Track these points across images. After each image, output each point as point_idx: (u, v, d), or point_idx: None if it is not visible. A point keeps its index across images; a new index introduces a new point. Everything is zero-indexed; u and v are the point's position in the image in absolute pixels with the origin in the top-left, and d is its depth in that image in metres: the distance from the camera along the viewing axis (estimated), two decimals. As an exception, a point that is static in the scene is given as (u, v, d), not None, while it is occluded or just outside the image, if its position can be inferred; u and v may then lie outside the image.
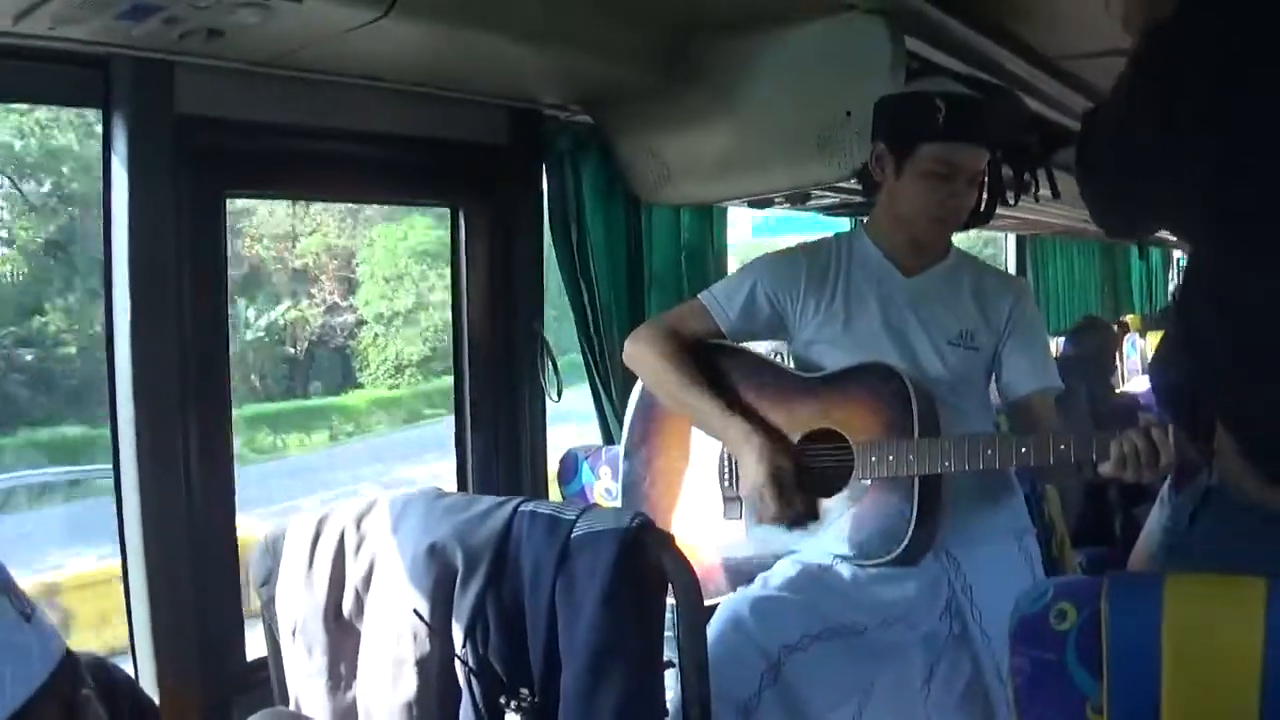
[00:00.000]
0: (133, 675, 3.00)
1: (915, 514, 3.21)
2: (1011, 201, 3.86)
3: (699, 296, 3.63)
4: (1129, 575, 2.17)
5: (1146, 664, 2.03)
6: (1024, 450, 3.13)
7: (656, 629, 2.46)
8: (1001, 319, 3.47)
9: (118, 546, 3.15)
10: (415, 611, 2.56)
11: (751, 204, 5.02)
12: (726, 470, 3.52)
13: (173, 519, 3.14)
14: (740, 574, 3.40)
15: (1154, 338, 9.99)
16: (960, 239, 3.76)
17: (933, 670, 3.30)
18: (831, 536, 3.33)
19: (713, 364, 3.52)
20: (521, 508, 2.57)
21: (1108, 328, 8.53)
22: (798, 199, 4.92)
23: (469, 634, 2.52)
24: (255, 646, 3.23)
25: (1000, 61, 4.32)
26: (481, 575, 2.52)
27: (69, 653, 1.29)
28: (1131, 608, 2.06)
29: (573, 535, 2.44)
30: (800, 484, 3.34)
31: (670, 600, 2.45)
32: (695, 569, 2.44)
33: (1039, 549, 3.55)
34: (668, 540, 2.44)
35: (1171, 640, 2.03)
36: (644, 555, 2.40)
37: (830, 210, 5.75)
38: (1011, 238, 9.89)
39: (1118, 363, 9.53)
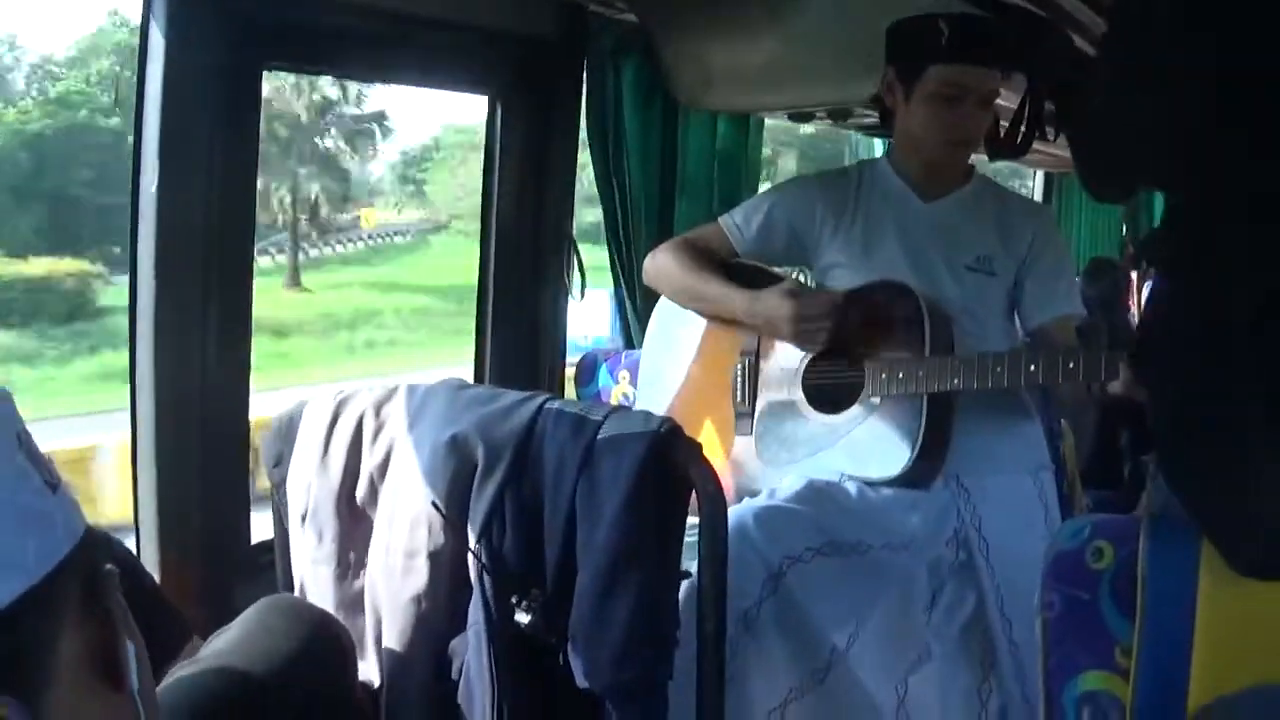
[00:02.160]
0: (135, 551, 2.99)
1: (923, 432, 3.22)
2: (1051, 137, 3.82)
3: (718, 220, 3.65)
4: (1169, 518, 2.12)
5: (1180, 610, 2.00)
6: (1032, 368, 3.12)
7: (676, 539, 2.42)
8: (1023, 246, 3.46)
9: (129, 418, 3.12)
10: (433, 503, 2.52)
11: (792, 117, 5.00)
12: (740, 385, 3.54)
13: (186, 395, 3.11)
14: (749, 491, 3.42)
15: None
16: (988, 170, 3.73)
17: (935, 597, 3.29)
18: (840, 454, 3.34)
19: (729, 276, 3.53)
20: (548, 405, 2.52)
21: (1120, 269, 8.50)
22: (839, 115, 4.89)
23: (484, 529, 2.48)
24: (260, 530, 3.22)
25: (1054, -6, 4.27)
26: (502, 470, 2.47)
27: (91, 529, 1.24)
28: (1169, 552, 2.03)
29: (599, 436, 2.40)
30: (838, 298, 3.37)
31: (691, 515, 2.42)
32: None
33: (1055, 488, 3.53)
34: (696, 449, 2.40)
35: (1207, 588, 1.99)
36: (671, 462, 2.35)
37: (870, 130, 5.73)
38: (1040, 174, 9.84)
39: (1131, 305, 9.52)
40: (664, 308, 3.74)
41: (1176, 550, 2.02)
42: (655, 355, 3.76)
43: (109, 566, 1.26)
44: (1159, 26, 2.14)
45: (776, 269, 3.58)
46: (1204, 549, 2.01)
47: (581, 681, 2.39)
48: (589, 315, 4.60)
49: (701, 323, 3.64)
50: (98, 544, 1.26)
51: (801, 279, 3.62)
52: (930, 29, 3.31)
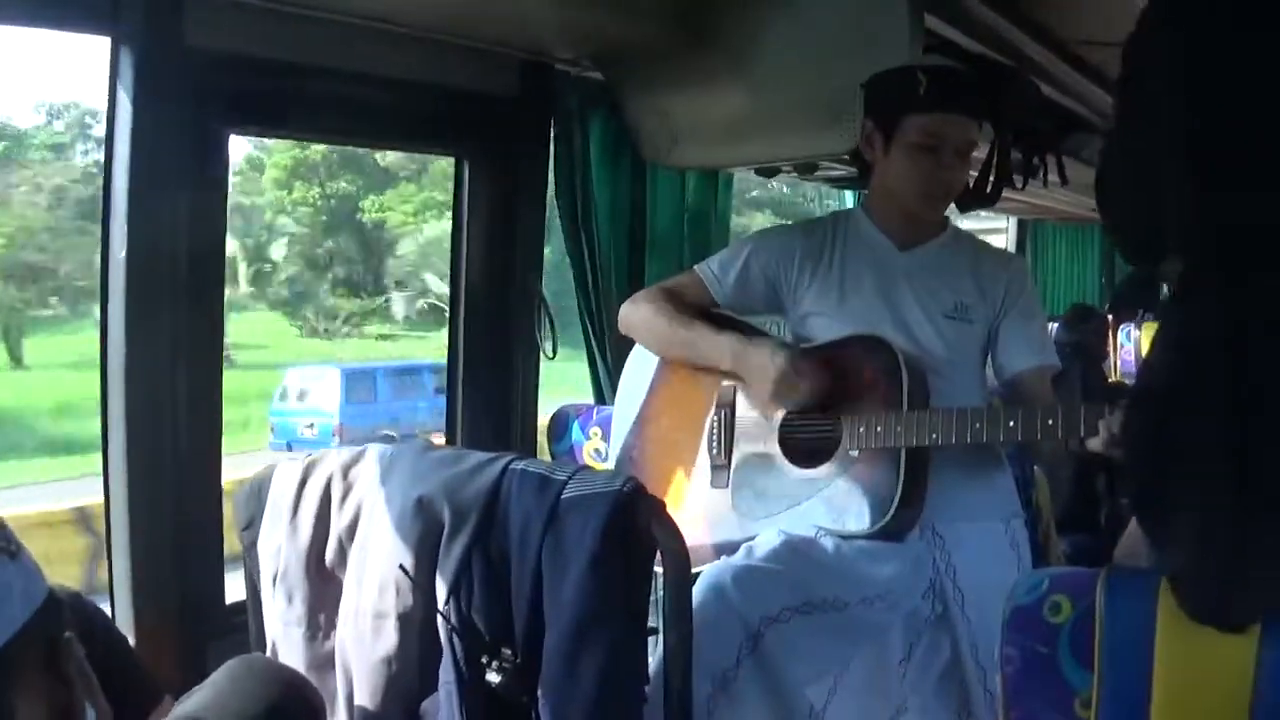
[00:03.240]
0: (109, 614, 3.00)
1: (901, 487, 3.22)
2: (1019, 185, 3.84)
3: (695, 268, 3.64)
4: (1126, 571, 2.13)
5: (1139, 662, 2.02)
6: (1012, 424, 3.13)
7: (642, 595, 2.44)
8: (998, 295, 3.46)
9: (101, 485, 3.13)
10: (400, 566, 2.53)
11: (759, 172, 5.02)
12: (716, 438, 3.52)
13: (159, 458, 3.12)
14: (724, 544, 3.39)
15: (1149, 328, 9.99)
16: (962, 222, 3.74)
17: (911, 650, 3.28)
18: (817, 508, 3.33)
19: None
20: (512, 465, 2.54)
21: (1100, 316, 8.54)
22: (806, 169, 4.91)
23: (453, 591, 2.49)
24: (234, 590, 3.21)
25: (1017, 44, 4.32)
26: (468, 531, 2.49)
27: (52, 593, 1.26)
28: (1127, 604, 2.04)
29: (563, 496, 2.41)
30: (814, 363, 3.36)
31: (657, 568, 2.43)
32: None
33: (1027, 534, 3.53)
34: (659, 507, 2.41)
35: (1165, 638, 2.01)
36: (634, 520, 2.36)
37: (837, 182, 5.75)
38: (1013, 221, 9.88)
39: (1110, 351, 9.55)
40: (636, 361, 3.73)
41: (1134, 602, 2.04)
42: (628, 408, 3.74)
43: (68, 634, 1.28)
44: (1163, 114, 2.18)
45: (750, 319, 3.59)
46: (1161, 600, 2.03)
47: (554, 739, 2.40)
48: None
49: (675, 376, 3.64)
50: (58, 609, 1.28)
51: (773, 330, 3.62)
52: (909, 80, 3.34)
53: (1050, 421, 3.08)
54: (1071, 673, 2.08)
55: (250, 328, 33.34)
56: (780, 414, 3.42)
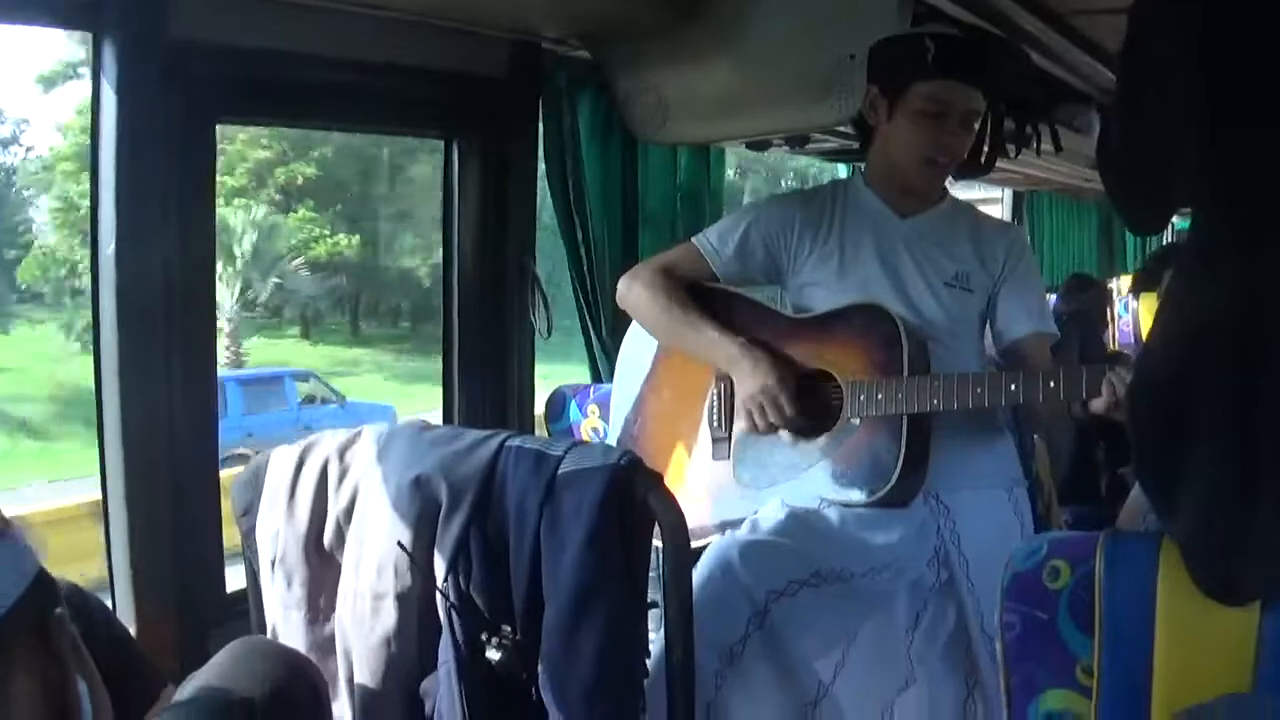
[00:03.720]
0: (110, 605, 2.99)
1: (903, 453, 3.22)
2: (1011, 154, 3.83)
3: (692, 239, 3.63)
4: (1125, 535, 2.13)
5: (1139, 627, 2.02)
6: (1013, 387, 3.14)
7: (641, 569, 2.44)
8: (998, 263, 3.47)
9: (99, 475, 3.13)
10: (399, 544, 2.53)
11: (750, 145, 5.01)
12: (716, 410, 3.52)
13: (154, 448, 3.12)
14: (727, 516, 3.40)
15: (1147, 300, 9.97)
16: (958, 193, 3.73)
17: (918, 618, 3.28)
18: (820, 477, 3.33)
19: (706, 304, 3.51)
20: (508, 442, 2.54)
21: (1098, 285, 8.52)
22: (797, 142, 4.91)
23: (451, 569, 2.49)
24: (235, 579, 3.21)
25: (1007, 13, 4.29)
26: (466, 509, 2.49)
27: (43, 572, 1.25)
28: (1126, 569, 2.04)
29: (559, 471, 2.41)
30: (795, 393, 3.34)
31: (656, 542, 2.42)
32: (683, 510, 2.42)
33: (1029, 502, 3.54)
34: (656, 480, 2.41)
35: (1165, 603, 2.01)
36: (631, 494, 2.37)
37: (829, 155, 5.74)
38: (1009, 192, 9.87)
39: (1109, 321, 9.53)
40: (634, 337, 3.73)
41: (1133, 567, 2.03)
42: (628, 383, 3.75)
43: (59, 610, 1.27)
44: (1175, 47, 2.16)
45: (750, 292, 3.58)
46: (1161, 566, 2.03)
47: (555, 716, 2.41)
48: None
49: (675, 350, 3.63)
50: (50, 586, 1.28)
51: (774, 302, 3.61)
52: (916, 47, 3.34)
53: (1052, 384, 3.09)
54: (1072, 638, 2.08)
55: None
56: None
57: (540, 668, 2.42)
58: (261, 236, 29.77)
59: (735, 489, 3.46)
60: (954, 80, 3.33)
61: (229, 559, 3.31)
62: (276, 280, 30.84)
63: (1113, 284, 10.59)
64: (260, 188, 30.06)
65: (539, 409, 4.44)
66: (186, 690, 2.35)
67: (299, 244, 30.94)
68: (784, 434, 3.38)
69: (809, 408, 3.38)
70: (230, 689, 2.33)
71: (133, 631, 2.97)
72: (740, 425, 3.48)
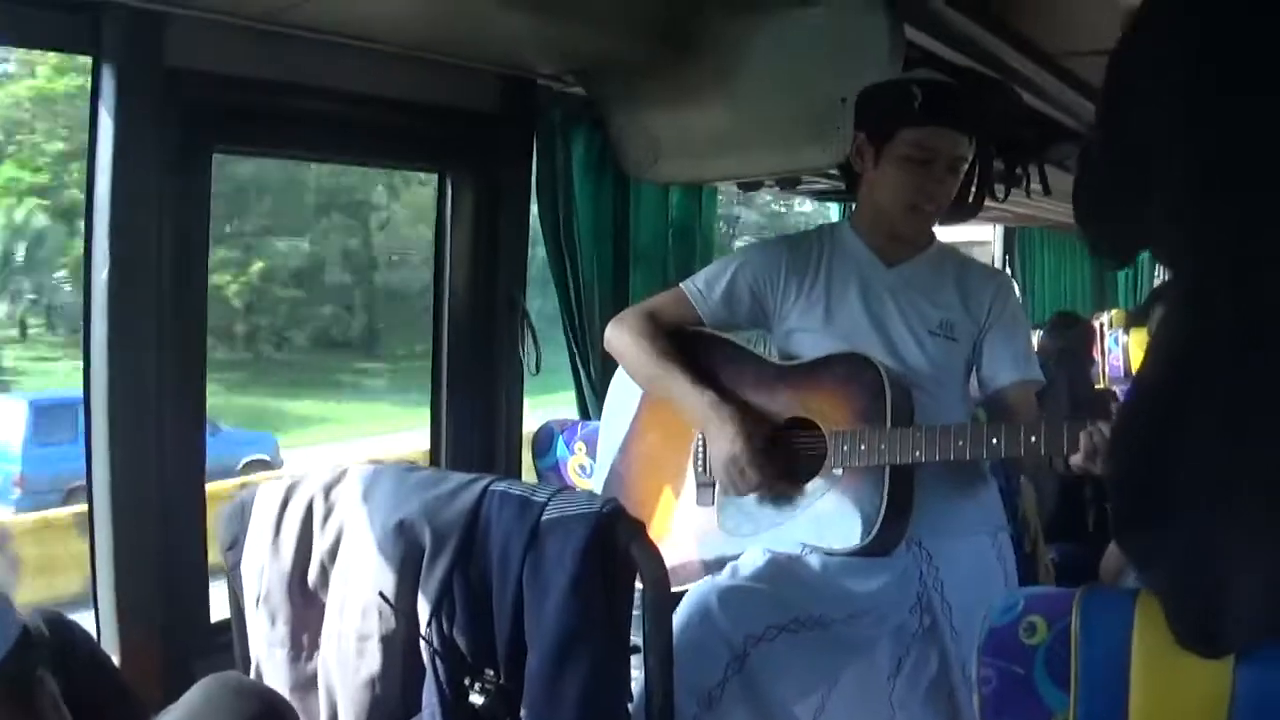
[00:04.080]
0: (94, 633, 3.00)
1: (886, 504, 3.21)
2: (1000, 196, 3.84)
3: (680, 285, 3.63)
4: (1101, 591, 2.14)
5: (1115, 683, 2.02)
6: (995, 441, 3.13)
7: (624, 615, 2.45)
8: (983, 310, 3.47)
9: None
10: (380, 593, 2.55)
11: (741, 186, 5.02)
12: (701, 455, 3.51)
13: (142, 477, 3.12)
14: (710, 561, 3.39)
15: (1137, 334, 9.99)
16: (949, 234, 3.74)
17: (900, 664, 3.30)
18: (802, 526, 3.32)
19: (691, 350, 3.52)
20: (492, 487, 2.55)
21: (1084, 323, 8.54)
22: (788, 183, 4.92)
23: (435, 613, 2.50)
24: (220, 608, 3.21)
25: (999, 55, 4.31)
26: (449, 554, 2.50)
27: (26, 632, 1.26)
28: (1102, 624, 2.05)
29: (543, 518, 2.43)
30: (771, 456, 3.34)
31: (638, 586, 2.43)
32: (665, 556, 2.44)
33: (1012, 546, 3.54)
34: (638, 528, 2.43)
35: (1141, 658, 2.01)
36: (614, 542, 2.38)
37: (820, 196, 5.76)
38: (999, 230, 9.89)
39: (1096, 357, 9.55)
40: (622, 377, 3.71)
41: (1109, 622, 2.04)
42: (615, 424, 3.74)
43: (41, 672, 1.28)
44: (1156, 100, 2.17)
45: (736, 337, 3.58)
46: (1137, 621, 2.04)
47: (537, 760, 2.41)
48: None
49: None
50: (32, 648, 1.28)
51: (759, 347, 3.61)
52: (902, 93, 3.35)
53: (1033, 439, 3.08)
54: (1048, 693, 2.09)
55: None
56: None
57: (523, 712, 2.43)
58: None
59: (719, 535, 3.45)
60: (940, 126, 3.34)
61: (214, 584, 3.31)
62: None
63: (1103, 318, 10.62)
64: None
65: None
66: None
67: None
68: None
69: (793, 456, 3.38)
70: None
71: (116, 660, 2.97)
72: None
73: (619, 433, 3.72)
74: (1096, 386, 8.51)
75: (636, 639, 2.48)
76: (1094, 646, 2.05)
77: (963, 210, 3.60)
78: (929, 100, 3.32)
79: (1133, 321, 10.65)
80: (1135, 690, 2.02)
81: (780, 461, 3.37)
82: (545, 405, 4.53)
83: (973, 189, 3.58)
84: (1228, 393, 2.03)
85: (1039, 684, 2.09)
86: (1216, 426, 2.03)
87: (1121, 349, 10.76)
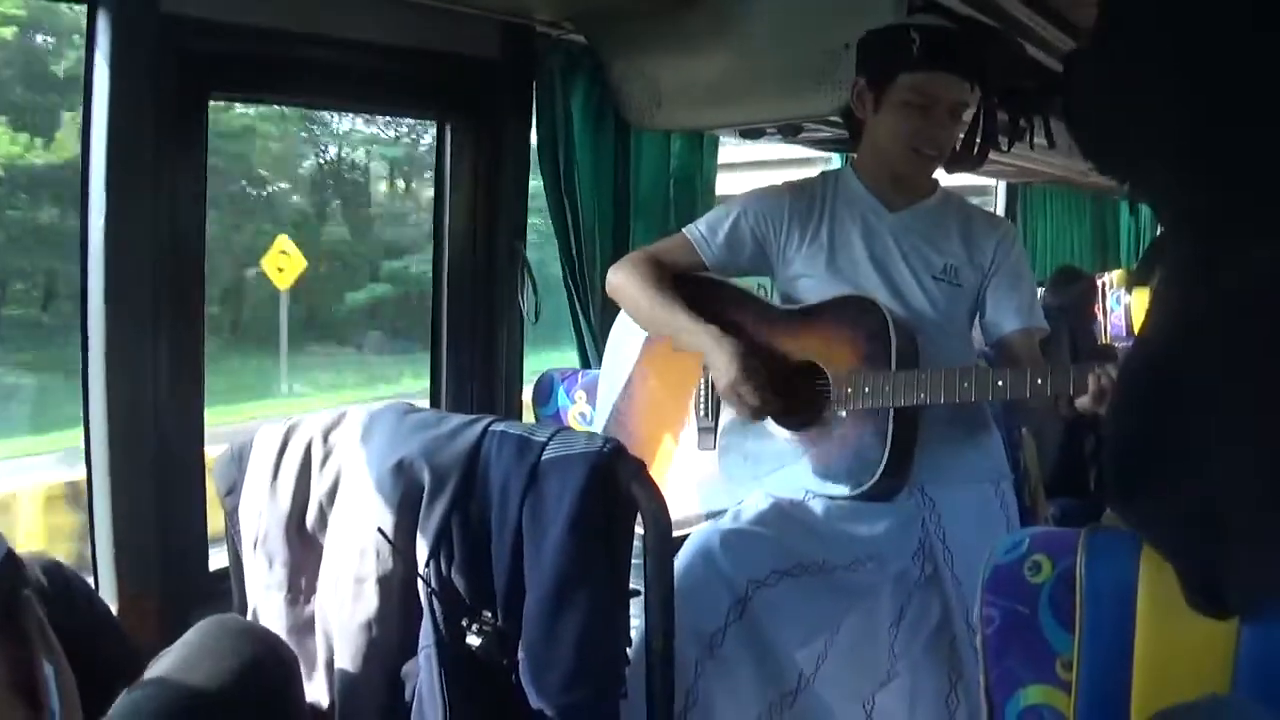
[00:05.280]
0: (92, 582, 2.99)
1: (889, 447, 3.22)
2: (1004, 147, 3.82)
3: (683, 230, 3.63)
4: (1106, 531, 2.12)
5: (1120, 622, 2.01)
6: (1000, 383, 3.13)
7: (623, 557, 2.43)
8: (987, 257, 3.46)
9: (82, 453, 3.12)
10: (379, 529, 2.52)
11: (743, 133, 4.99)
12: (703, 400, 3.52)
13: (140, 425, 3.11)
14: (712, 507, 3.39)
15: (1139, 294, 9.96)
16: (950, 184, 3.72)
17: (902, 611, 3.29)
18: (805, 469, 3.33)
19: (693, 294, 3.51)
20: (492, 427, 2.53)
21: (1086, 278, 8.51)
22: (790, 131, 4.89)
23: (433, 553, 2.49)
24: (218, 558, 3.21)
25: (1003, 4, 4.28)
26: (448, 494, 2.48)
27: (11, 553, 1.24)
28: (1108, 564, 2.03)
29: (543, 457, 2.41)
30: (774, 380, 3.34)
31: (639, 529, 2.42)
32: (667, 499, 2.41)
33: (1015, 496, 3.54)
34: (639, 467, 2.40)
35: (1146, 600, 2.00)
36: (614, 481, 2.37)
37: (822, 144, 5.73)
38: (1003, 185, 9.85)
39: (1100, 314, 9.53)
40: (623, 325, 3.72)
41: (1115, 563, 2.02)
42: (616, 371, 3.74)
43: (26, 592, 1.26)
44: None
45: (741, 282, 3.58)
46: (1142, 562, 2.02)
47: (534, 701, 2.40)
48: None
49: (663, 340, 3.62)
50: (17, 567, 1.27)
51: (761, 292, 3.61)
52: (901, 38, 3.34)
53: (1040, 381, 3.08)
54: (1052, 633, 2.07)
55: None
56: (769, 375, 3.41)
57: (520, 654, 2.41)
58: None
59: (721, 480, 3.47)
60: (940, 72, 3.32)
61: (211, 539, 3.30)
62: None
63: (1105, 278, 10.59)
64: None
65: (527, 394, 4.44)
66: (156, 668, 2.35)
67: None
68: (770, 425, 3.39)
69: (796, 400, 3.38)
70: (199, 667, 2.33)
71: (114, 609, 2.96)
72: (726, 416, 3.49)
73: (619, 379, 3.72)
74: (1100, 343, 8.49)
75: (636, 584, 2.47)
76: (1099, 586, 2.03)
77: (967, 160, 3.59)
78: (928, 45, 3.31)
79: (1135, 281, 10.62)
80: (1140, 631, 2.00)
81: (783, 400, 3.37)
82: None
83: (977, 139, 3.57)
84: (1230, 354, 2.00)
85: (1043, 624, 2.07)
86: (1218, 388, 2.00)
87: (1124, 309, 10.73)
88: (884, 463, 3.22)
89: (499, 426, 2.53)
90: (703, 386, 3.53)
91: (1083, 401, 3.00)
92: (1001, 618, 2.10)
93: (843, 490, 3.27)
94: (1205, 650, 1.97)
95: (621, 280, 3.59)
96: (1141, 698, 1.99)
